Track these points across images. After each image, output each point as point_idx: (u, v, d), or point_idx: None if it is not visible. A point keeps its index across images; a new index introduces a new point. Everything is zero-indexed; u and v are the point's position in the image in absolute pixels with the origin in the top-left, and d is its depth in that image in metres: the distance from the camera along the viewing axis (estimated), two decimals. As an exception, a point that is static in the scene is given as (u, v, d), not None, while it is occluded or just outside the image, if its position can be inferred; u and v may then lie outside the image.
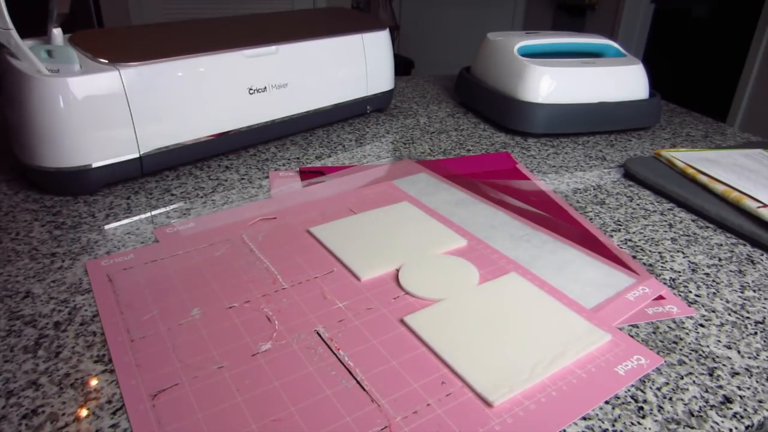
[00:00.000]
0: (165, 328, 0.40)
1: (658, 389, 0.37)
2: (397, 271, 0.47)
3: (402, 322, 0.41)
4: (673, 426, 0.34)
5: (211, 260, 0.48)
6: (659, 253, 0.53)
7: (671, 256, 0.53)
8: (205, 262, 0.48)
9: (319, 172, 0.68)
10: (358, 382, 0.36)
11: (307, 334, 0.40)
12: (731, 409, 0.36)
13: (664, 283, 0.49)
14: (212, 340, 0.39)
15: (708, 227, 0.59)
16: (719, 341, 0.42)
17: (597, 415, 0.35)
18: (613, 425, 0.34)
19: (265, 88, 0.70)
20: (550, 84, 0.80)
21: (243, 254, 0.49)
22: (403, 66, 2.79)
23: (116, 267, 0.47)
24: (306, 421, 0.33)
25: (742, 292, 0.48)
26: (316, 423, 0.33)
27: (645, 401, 0.36)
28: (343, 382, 0.36)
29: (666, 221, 0.60)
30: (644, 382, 0.37)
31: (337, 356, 0.38)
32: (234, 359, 0.37)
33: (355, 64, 0.80)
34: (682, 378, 0.38)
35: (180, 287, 0.44)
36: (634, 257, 0.52)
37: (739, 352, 0.41)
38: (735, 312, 0.45)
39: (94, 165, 0.58)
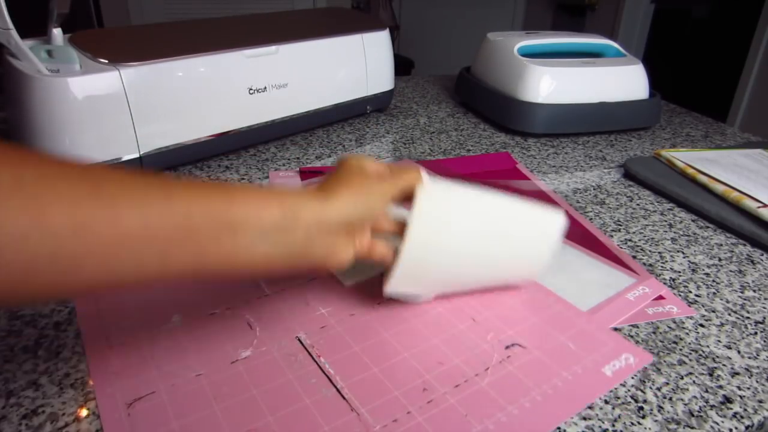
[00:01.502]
0: (145, 334, 0.39)
1: (658, 389, 0.37)
2: (382, 275, 0.45)
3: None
4: (673, 426, 0.34)
5: None
6: (659, 253, 0.53)
7: (671, 256, 0.53)
8: None
9: (319, 172, 0.68)
10: (338, 390, 0.35)
11: (288, 341, 0.39)
12: (731, 409, 0.36)
13: (664, 283, 0.49)
14: (192, 346, 0.38)
15: (708, 227, 0.59)
16: (719, 341, 0.42)
17: (597, 415, 0.35)
18: (613, 425, 0.34)
19: (265, 88, 0.70)
20: (550, 84, 0.80)
21: None
22: (403, 66, 2.79)
23: None
24: (283, 431, 0.32)
25: (742, 292, 0.48)
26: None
27: (645, 401, 0.36)
28: (323, 390, 0.35)
29: (666, 221, 0.60)
30: (644, 382, 0.37)
31: (317, 363, 0.37)
32: (213, 366, 0.36)
33: (355, 64, 0.80)
34: (682, 378, 0.38)
35: (162, 293, 0.43)
36: (634, 257, 0.52)
37: (739, 352, 0.41)
38: (735, 312, 0.45)
39: (94, 165, 0.58)
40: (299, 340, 0.39)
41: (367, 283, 0.46)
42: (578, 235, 0.55)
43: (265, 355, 0.38)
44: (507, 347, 0.39)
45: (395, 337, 0.40)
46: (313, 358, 0.38)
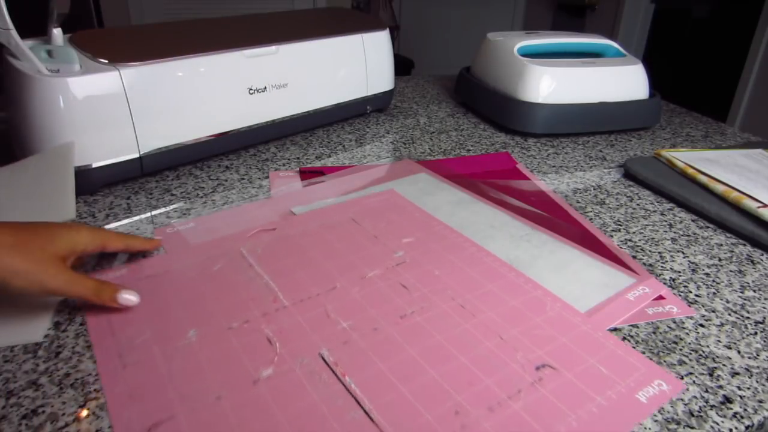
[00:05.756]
0: (160, 352, 0.38)
1: (658, 389, 0.37)
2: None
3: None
4: (673, 426, 0.34)
5: (209, 275, 0.46)
6: (659, 253, 0.53)
7: (671, 256, 0.53)
8: (202, 278, 0.46)
9: (319, 172, 0.68)
10: (366, 413, 0.33)
11: (310, 358, 0.38)
12: (731, 409, 0.36)
13: (664, 283, 0.49)
14: (210, 365, 0.37)
15: (708, 227, 0.59)
16: (719, 341, 0.42)
17: (597, 415, 0.35)
18: (613, 425, 0.34)
19: (265, 88, 0.70)
20: (550, 84, 0.80)
21: (242, 269, 0.47)
22: (403, 66, 2.79)
23: None
24: None
25: (742, 292, 0.48)
26: None
27: (645, 401, 0.36)
28: (351, 412, 0.33)
29: (666, 221, 0.60)
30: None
31: (343, 383, 0.35)
32: (234, 387, 0.35)
33: (355, 64, 0.80)
34: (682, 378, 0.38)
35: (176, 305, 0.42)
36: (634, 257, 0.52)
37: (739, 352, 0.41)
38: (735, 312, 0.45)
39: (94, 165, 0.58)
40: (322, 357, 0.38)
41: (387, 296, 0.44)
42: (578, 235, 0.55)
43: (287, 374, 0.36)
44: (537, 368, 0.37)
45: (421, 355, 0.38)
46: (337, 377, 0.36)
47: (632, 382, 0.37)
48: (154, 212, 0.58)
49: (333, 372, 0.36)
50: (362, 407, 0.34)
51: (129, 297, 0.41)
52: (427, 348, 0.39)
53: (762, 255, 0.54)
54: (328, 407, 0.34)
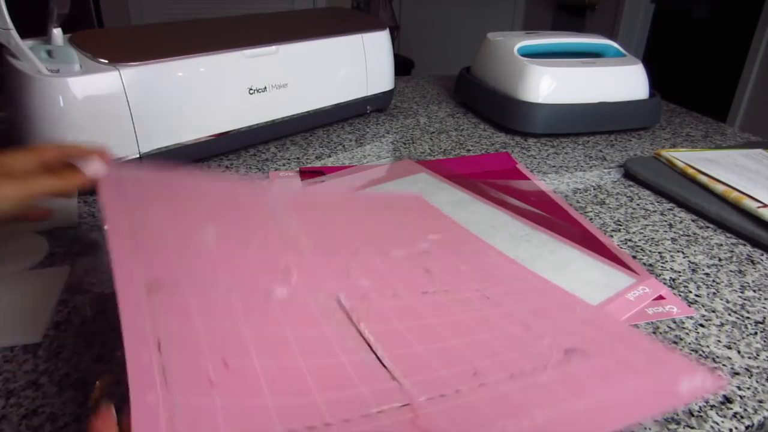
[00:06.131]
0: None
1: (658, 389, 0.37)
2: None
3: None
4: (673, 426, 0.34)
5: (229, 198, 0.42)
6: (659, 253, 0.53)
7: (671, 256, 0.53)
8: (221, 201, 0.42)
9: (319, 172, 0.68)
10: (378, 358, 0.31)
11: (326, 296, 0.35)
12: (731, 409, 0.36)
13: (664, 283, 0.49)
14: (223, 268, 0.34)
15: (708, 227, 0.59)
16: (719, 341, 0.42)
17: (597, 415, 0.35)
18: (613, 425, 0.34)
19: (265, 88, 0.70)
20: (550, 84, 0.80)
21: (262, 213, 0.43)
22: (403, 66, 2.79)
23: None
24: (314, 379, 0.29)
25: (742, 292, 0.48)
26: (326, 383, 0.28)
27: (645, 401, 0.36)
28: (362, 353, 0.31)
29: (666, 221, 0.60)
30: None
31: (357, 328, 0.33)
32: (245, 291, 0.33)
33: (355, 64, 0.80)
34: (682, 378, 0.38)
35: (195, 209, 0.39)
36: (634, 257, 0.52)
37: (739, 352, 0.41)
38: (735, 312, 0.45)
39: (94, 165, 0.58)
40: (338, 300, 0.35)
41: (410, 274, 0.41)
42: (578, 235, 0.55)
43: (300, 300, 0.34)
44: (567, 352, 0.35)
45: (442, 326, 0.36)
46: (352, 322, 0.33)
47: (673, 372, 0.33)
48: (154, 212, 0.57)
49: (348, 317, 0.34)
50: (374, 352, 0.32)
51: (94, 165, 0.39)
52: (449, 322, 0.36)
53: (762, 255, 0.54)
54: (339, 343, 0.31)
